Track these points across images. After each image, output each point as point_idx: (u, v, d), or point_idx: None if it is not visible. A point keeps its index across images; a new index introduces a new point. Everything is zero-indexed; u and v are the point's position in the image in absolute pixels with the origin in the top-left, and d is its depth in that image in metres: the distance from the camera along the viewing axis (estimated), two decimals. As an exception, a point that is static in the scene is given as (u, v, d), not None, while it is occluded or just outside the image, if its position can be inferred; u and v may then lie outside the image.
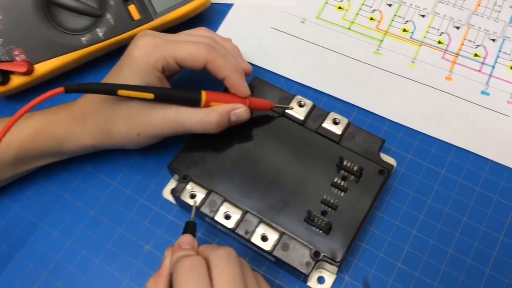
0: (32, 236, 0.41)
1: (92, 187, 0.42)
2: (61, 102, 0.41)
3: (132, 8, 0.45)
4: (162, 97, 0.37)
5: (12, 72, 0.43)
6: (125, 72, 0.37)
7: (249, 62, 0.46)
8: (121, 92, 0.35)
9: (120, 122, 0.38)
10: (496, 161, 0.41)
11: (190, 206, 0.38)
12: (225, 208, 0.38)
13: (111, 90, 0.36)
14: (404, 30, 0.48)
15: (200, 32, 0.40)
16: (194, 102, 0.37)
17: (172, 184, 0.42)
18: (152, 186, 0.42)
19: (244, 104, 0.39)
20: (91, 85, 0.36)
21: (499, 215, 0.39)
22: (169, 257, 0.32)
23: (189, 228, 0.34)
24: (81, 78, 0.47)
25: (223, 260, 0.30)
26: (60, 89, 0.34)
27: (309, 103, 0.41)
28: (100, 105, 0.38)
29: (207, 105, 0.38)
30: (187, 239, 0.32)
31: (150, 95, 0.36)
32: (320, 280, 0.38)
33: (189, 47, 0.37)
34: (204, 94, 0.37)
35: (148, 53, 0.37)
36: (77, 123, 0.39)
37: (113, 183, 0.43)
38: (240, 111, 0.38)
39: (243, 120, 0.39)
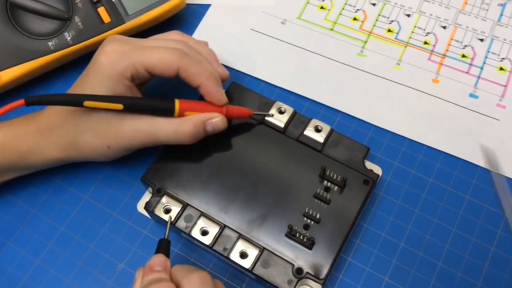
0: (-3, 255, 0.38)
1: (62, 202, 0.40)
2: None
3: (101, 11, 0.42)
4: (132, 107, 0.34)
5: (-26, 80, 0.41)
6: (92, 81, 0.35)
7: (227, 66, 0.44)
8: (87, 103, 0.33)
9: (88, 134, 0.35)
10: (486, 167, 0.39)
11: (165, 221, 0.36)
12: (202, 223, 0.35)
13: (76, 101, 0.33)
14: (389, 31, 0.46)
15: (172, 36, 0.38)
16: (167, 112, 0.35)
17: (147, 196, 0.39)
18: (125, 200, 0.40)
19: (220, 112, 0.36)
20: (54, 96, 0.34)
21: (490, 224, 0.38)
22: (140, 279, 0.30)
23: (162, 247, 0.32)
24: (49, 85, 0.45)
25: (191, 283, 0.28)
26: (20, 101, 0.32)
27: (289, 110, 0.39)
28: (66, 116, 0.36)
29: (181, 115, 0.35)
30: (159, 259, 0.30)
31: (119, 106, 0.34)
32: (304, 297, 0.36)
33: (159, 54, 0.34)
34: (177, 103, 0.35)
35: (115, 60, 0.34)
36: (42, 135, 0.36)
37: (84, 196, 0.40)
38: (216, 120, 0.36)
39: (220, 129, 0.37)
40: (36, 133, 0.36)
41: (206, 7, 0.48)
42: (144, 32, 0.44)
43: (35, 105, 0.33)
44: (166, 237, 0.33)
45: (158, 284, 0.28)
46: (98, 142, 0.36)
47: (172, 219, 0.35)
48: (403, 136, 0.41)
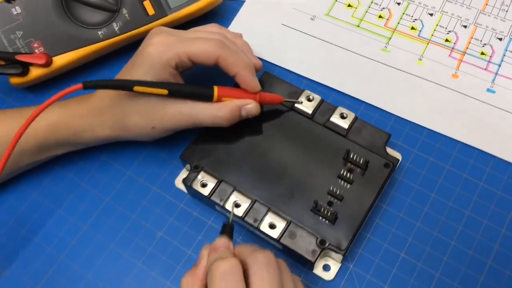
0: (49, 221, 0.42)
1: (107, 176, 0.44)
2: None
3: (147, 4, 0.46)
4: (176, 93, 0.38)
5: (31, 64, 0.45)
6: (139, 69, 0.38)
7: (259, 58, 0.47)
8: (137, 88, 0.37)
9: (136, 116, 0.39)
10: (500, 157, 0.42)
11: (201, 195, 0.39)
12: (234, 197, 0.39)
13: (127, 86, 0.37)
14: (412, 28, 0.49)
15: (211, 28, 0.42)
16: (207, 97, 0.39)
17: (184, 174, 0.43)
18: (164, 176, 0.44)
19: (254, 99, 0.40)
20: (108, 81, 0.37)
21: (502, 209, 0.40)
22: (206, 257, 0.32)
23: (226, 230, 0.34)
24: (97, 71, 0.49)
25: (262, 266, 0.29)
26: (79, 85, 0.36)
27: (317, 98, 0.42)
28: (115, 99, 0.39)
29: (219, 100, 0.39)
30: (223, 241, 0.33)
31: (165, 91, 0.37)
32: (326, 268, 0.39)
33: (201, 45, 0.38)
34: (216, 89, 0.39)
35: (162, 51, 0.38)
36: (94, 116, 0.40)
37: (127, 172, 0.44)
38: (250, 106, 0.39)
39: (253, 115, 0.40)
40: (89, 114, 0.40)
41: (241, 3, 0.52)
42: (184, 24, 0.48)
43: (91, 88, 0.36)
44: (230, 222, 0.35)
45: (224, 260, 0.30)
46: (144, 123, 0.39)
47: (208, 193, 0.39)
48: (422, 126, 0.44)
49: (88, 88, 0.36)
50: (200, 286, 0.31)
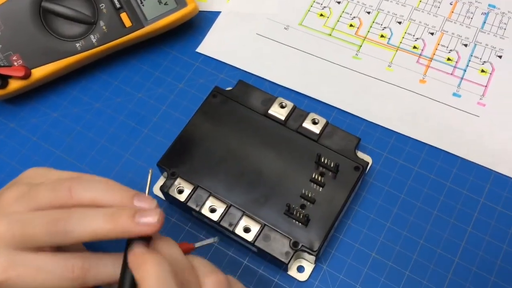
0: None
1: (86, 184, 0.45)
2: (58, 97, 0.43)
3: (124, 16, 0.48)
4: None
5: (11, 77, 0.46)
6: None
7: (235, 67, 0.49)
8: None
9: None
10: (466, 158, 0.44)
11: (178, 201, 0.40)
12: (210, 202, 0.40)
13: None
14: (382, 36, 0.50)
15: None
16: None
17: (161, 181, 0.44)
18: (142, 183, 0.45)
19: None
20: None
21: (468, 208, 0.42)
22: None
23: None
24: (76, 82, 0.50)
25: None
26: None
27: (290, 104, 0.44)
28: None
29: None
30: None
31: None
32: (300, 269, 0.40)
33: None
34: None
35: None
36: None
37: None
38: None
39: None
40: None
41: (217, 14, 0.53)
42: (161, 36, 0.49)
43: None
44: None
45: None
46: None
47: (185, 199, 0.40)
48: (392, 130, 0.46)
49: None
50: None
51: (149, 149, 0.45)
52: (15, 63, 0.46)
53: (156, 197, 0.44)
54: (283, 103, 0.44)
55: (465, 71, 0.48)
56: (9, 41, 0.46)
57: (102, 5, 0.47)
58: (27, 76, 0.46)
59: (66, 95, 0.50)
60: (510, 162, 0.43)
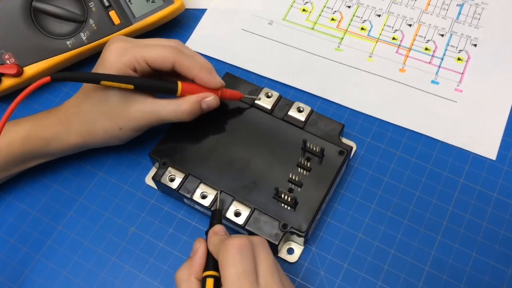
0: (24, 223, 0.44)
1: (79, 178, 0.46)
2: (51, 94, 0.44)
3: (112, 14, 0.49)
4: (142, 87, 0.40)
5: (3, 74, 0.47)
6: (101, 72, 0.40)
7: (222, 61, 0.51)
8: (104, 82, 0.39)
9: (102, 119, 0.41)
10: (445, 141, 0.46)
11: (170, 189, 0.42)
12: (201, 189, 0.41)
13: (95, 79, 0.39)
14: (362, 29, 0.52)
15: (171, 40, 0.43)
16: (172, 91, 0.41)
17: (153, 172, 0.46)
18: (134, 175, 0.46)
19: (216, 94, 0.42)
20: (75, 74, 0.39)
21: (448, 188, 0.44)
22: (203, 247, 0.35)
23: (217, 217, 0.38)
24: (67, 79, 0.51)
25: (261, 245, 0.34)
26: (47, 78, 0.37)
27: (275, 94, 0.45)
28: (82, 106, 0.41)
29: (183, 95, 0.41)
30: (220, 228, 0.36)
31: (130, 86, 0.40)
32: (290, 251, 0.42)
33: (157, 50, 0.40)
34: (180, 84, 0.41)
35: (119, 54, 0.40)
36: (62, 125, 0.42)
37: (99, 173, 0.46)
38: (210, 99, 0.42)
39: (213, 107, 0.42)
40: (57, 123, 0.42)
41: (203, 11, 0.55)
42: (149, 32, 0.51)
43: (59, 81, 0.38)
44: (218, 207, 0.39)
45: (238, 237, 0.33)
46: (111, 124, 0.41)
47: (176, 187, 0.42)
48: (374, 117, 0.48)
49: (56, 80, 0.38)
50: (197, 277, 0.33)
51: (141, 143, 0.47)
52: (7, 62, 0.47)
53: (148, 187, 0.45)
54: (269, 93, 0.45)
55: (442, 59, 0.50)
56: (1, 40, 0.47)
57: (91, 4, 0.48)
58: (19, 73, 0.47)
59: (58, 92, 0.51)
60: (487, 143, 0.45)
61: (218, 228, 0.37)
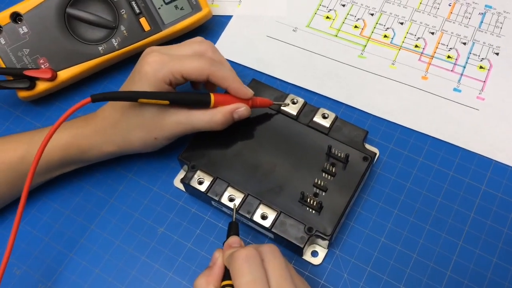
0: (57, 222, 0.46)
1: (111, 179, 0.48)
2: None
3: (143, 21, 0.51)
4: (176, 101, 0.41)
5: (38, 78, 0.49)
6: (137, 85, 0.41)
7: (247, 67, 0.52)
8: (141, 100, 0.40)
9: (138, 130, 0.43)
10: (467, 148, 0.47)
11: (198, 192, 0.43)
12: (229, 192, 0.43)
13: (132, 97, 0.40)
14: (385, 36, 0.53)
15: (197, 39, 0.45)
16: (205, 104, 0.42)
17: (181, 174, 0.47)
18: (163, 177, 0.48)
19: (247, 104, 0.44)
20: (114, 93, 0.41)
21: (470, 195, 0.45)
22: (221, 257, 0.36)
23: (233, 228, 0.39)
24: (99, 83, 0.53)
25: (271, 252, 0.35)
26: (87, 99, 0.39)
27: (301, 101, 0.47)
28: (118, 117, 0.43)
29: (215, 106, 0.43)
30: (235, 239, 0.38)
31: (166, 102, 0.41)
32: (314, 254, 0.43)
33: (193, 63, 0.41)
34: (212, 97, 0.43)
35: (157, 69, 0.41)
36: (99, 135, 0.43)
37: (129, 175, 0.48)
38: (242, 110, 0.43)
39: (245, 117, 0.44)
40: (94, 134, 0.43)
41: (229, 17, 0.56)
42: (177, 39, 0.52)
43: (99, 101, 0.39)
44: (234, 219, 0.40)
45: (244, 249, 0.34)
46: (147, 135, 0.43)
47: (205, 190, 0.43)
48: (397, 124, 0.49)
49: (97, 101, 0.39)
50: (215, 286, 0.35)
51: (169, 146, 0.48)
52: (42, 66, 0.49)
53: (176, 189, 0.47)
54: (295, 99, 0.47)
55: (464, 67, 0.51)
56: (36, 45, 0.49)
57: (123, 11, 0.50)
58: (53, 78, 0.49)
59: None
60: (508, 151, 0.46)
61: (232, 240, 0.38)
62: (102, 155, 0.45)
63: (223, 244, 0.38)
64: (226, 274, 0.36)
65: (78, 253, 0.44)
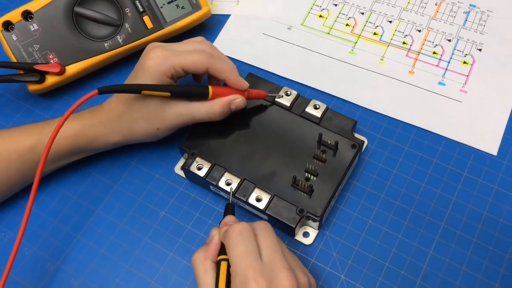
0: (65, 206, 0.49)
1: (116, 166, 0.51)
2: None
3: (146, 19, 0.54)
4: (177, 94, 0.44)
5: (47, 72, 0.52)
6: (141, 79, 0.44)
7: (244, 62, 0.55)
8: (144, 92, 0.43)
9: (142, 121, 0.46)
10: (450, 138, 0.50)
11: (198, 177, 0.46)
12: (226, 177, 0.46)
13: (136, 89, 0.43)
14: (375, 34, 0.57)
15: (198, 39, 0.48)
16: (204, 96, 0.45)
17: (182, 162, 0.50)
18: (164, 165, 0.51)
19: (243, 95, 0.47)
20: (119, 86, 0.44)
21: (453, 181, 0.48)
22: (217, 235, 0.39)
23: (230, 210, 0.42)
24: (105, 77, 0.56)
25: (263, 228, 0.38)
26: (94, 92, 0.42)
27: (294, 93, 0.50)
28: (122, 109, 0.46)
29: (213, 98, 0.46)
30: (231, 218, 0.41)
31: (167, 94, 0.44)
32: (305, 234, 0.46)
33: (193, 57, 0.44)
34: (211, 89, 0.46)
35: (159, 63, 0.44)
36: (104, 126, 0.46)
37: (133, 162, 0.51)
38: (238, 101, 0.47)
39: (241, 108, 0.47)
40: (100, 124, 0.46)
41: (227, 16, 0.60)
42: (179, 36, 0.56)
43: (105, 93, 0.42)
44: (230, 202, 0.43)
45: (238, 224, 0.38)
46: (150, 125, 0.46)
47: (204, 175, 0.46)
48: (385, 115, 0.52)
49: (103, 93, 0.42)
50: (212, 260, 0.38)
51: (170, 135, 0.51)
52: (51, 61, 0.52)
53: (177, 176, 0.50)
54: (288, 92, 0.50)
55: (449, 63, 0.54)
56: (46, 42, 0.52)
57: (127, 9, 0.53)
58: (62, 72, 0.52)
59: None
60: (489, 140, 0.49)
61: (228, 218, 0.41)
62: (108, 144, 0.48)
63: (220, 223, 0.41)
64: (222, 250, 0.38)
65: (84, 234, 0.47)
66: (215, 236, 0.39)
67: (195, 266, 0.38)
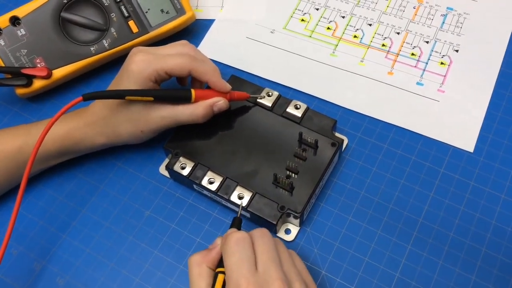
0: (51, 207, 0.50)
1: (101, 167, 0.52)
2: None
3: (131, 23, 0.55)
4: (160, 98, 0.45)
5: (35, 76, 0.53)
6: (125, 83, 0.45)
7: (228, 65, 0.56)
8: (128, 97, 0.44)
9: (126, 124, 0.47)
10: (428, 136, 0.51)
11: (181, 176, 0.47)
12: (208, 176, 0.47)
13: (120, 95, 0.44)
14: (355, 36, 0.58)
15: (181, 42, 0.49)
16: (186, 99, 0.47)
17: (166, 162, 0.51)
18: (149, 166, 0.52)
19: (225, 97, 0.48)
20: (103, 92, 0.45)
21: (430, 177, 0.49)
22: (220, 245, 0.39)
23: (236, 223, 0.42)
24: (91, 81, 0.57)
25: (260, 236, 0.39)
26: (79, 98, 0.43)
27: (275, 94, 0.51)
28: (107, 112, 0.47)
29: (196, 101, 0.47)
30: (234, 231, 0.41)
31: (151, 98, 0.45)
32: (287, 231, 0.47)
33: (175, 60, 0.45)
34: (193, 92, 0.47)
35: (143, 68, 0.45)
36: (90, 128, 0.47)
37: (118, 163, 0.52)
38: (220, 103, 0.48)
39: (223, 110, 0.48)
40: (85, 127, 0.47)
41: (211, 21, 0.61)
42: (163, 40, 0.57)
43: (90, 100, 0.44)
44: (238, 215, 0.43)
45: (237, 231, 0.38)
46: (134, 128, 0.47)
47: (187, 174, 0.47)
48: (364, 115, 0.53)
49: (88, 100, 0.43)
50: (208, 266, 0.38)
51: (154, 137, 0.52)
52: (38, 65, 0.53)
53: (162, 176, 0.51)
54: (270, 93, 0.51)
55: (427, 63, 0.55)
56: (33, 46, 0.53)
57: (113, 14, 0.55)
58: (48, 76, 0.53)
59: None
60: (465, 138, 0.50)
61: (230, 231, 0.41)
62: (93, 146, 0.48)
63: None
64: (222, 262, 0.38)
65: (70, 234, 0.48)
66: (219, 246, 0.39)
67: (190, 267, 0.39)
